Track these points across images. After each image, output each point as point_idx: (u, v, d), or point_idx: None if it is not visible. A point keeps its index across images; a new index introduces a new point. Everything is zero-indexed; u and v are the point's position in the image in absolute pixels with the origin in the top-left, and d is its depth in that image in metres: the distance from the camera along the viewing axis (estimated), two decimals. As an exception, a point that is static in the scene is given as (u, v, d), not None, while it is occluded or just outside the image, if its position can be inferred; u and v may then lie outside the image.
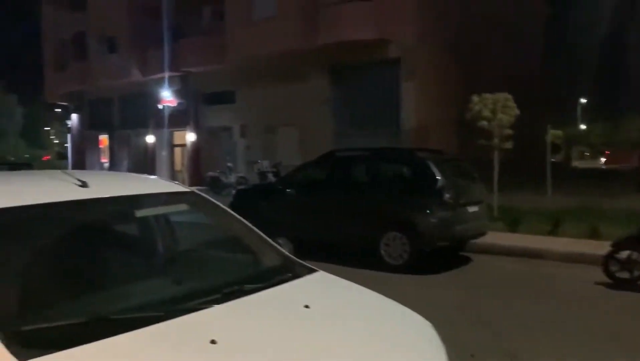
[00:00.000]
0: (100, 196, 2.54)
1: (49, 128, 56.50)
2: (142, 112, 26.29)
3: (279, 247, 2.85)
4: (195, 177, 24.11)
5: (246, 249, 2.88)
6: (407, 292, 5.64)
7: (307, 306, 2.16)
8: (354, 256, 8.15)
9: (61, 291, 2.17)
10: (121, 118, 28.54)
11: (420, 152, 8.74)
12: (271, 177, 18.60)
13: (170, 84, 24.17)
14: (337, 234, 8.44)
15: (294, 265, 2.70)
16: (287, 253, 2.82)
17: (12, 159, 41.03)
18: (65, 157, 36.03)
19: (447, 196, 7.76)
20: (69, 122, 33.03)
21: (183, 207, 3.02)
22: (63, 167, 34.37)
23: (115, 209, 2.69)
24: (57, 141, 56.23)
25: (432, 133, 17.02)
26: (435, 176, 7.82)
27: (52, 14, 31.37)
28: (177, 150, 26.70)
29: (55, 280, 2.26)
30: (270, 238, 2.92)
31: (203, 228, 3.17)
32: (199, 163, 24.63)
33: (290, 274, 2.54)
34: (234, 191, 12.38)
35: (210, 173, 21.51)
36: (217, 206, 3.03)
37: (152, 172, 25.43)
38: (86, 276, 2.34)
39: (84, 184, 2.53)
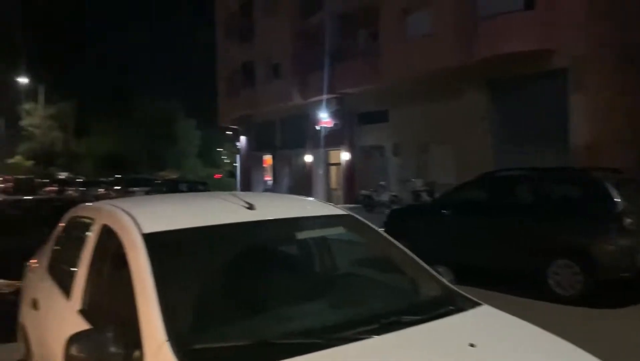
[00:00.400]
0: (265, 218, 2.65)
1: (221, 149, 62.35)
2: (301, 133, 27.67)
3: (438, 276, 2.71)
4: (350, 195, 24.61)
5: (403, 276, 2.79)
6: (580, 327, 5.05)
7: (472, 345, 2.00)
8: (516, 283, 7.57)
9: (228, 311, 2.28)
10: (282, 139, 30.33)
11: (595, 172, 7.87)
12: (425, 197, 18.27)
13: (328, 106, 25.15)
14: (498, 260, 7.91)
15: (455, 297, 2.54)
16: (447, 283, 2.67)
17: (191, 177, 45.93)
18: (234, 175, 39.29)
19: (628, 221, 6.86)
20: (238, 144, 36.03)
21: (340, 230, 3.04)
22: (233, 185, 37.39)
23: (278, 231, 2.79)
24: (227, 161, 61.82)
25: (606, 151, 15.28)
26: (613, 199, 6.96)
27: (225, 46, 34.67)
28: (333, 168, 27.58)
29: (222, 300, 2.39)
30: (426, 263, 2.79)
31: (358, 247, 3.16)
32: (353, 181, 25.14)
33: (452, 307, 2.39)
34: (387, 210, 12.36)
35: (363, 192, 21.80)
36: (373, 230, 2.99)
37: (309, 190, 26.57)
38: (250, 296, 2.44)
39: (250, 207, 2.67)
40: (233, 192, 3.01)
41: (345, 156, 25.61)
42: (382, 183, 21.69)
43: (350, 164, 25.46)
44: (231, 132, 38.00)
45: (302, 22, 27.01)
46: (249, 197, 2.80)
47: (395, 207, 14.51)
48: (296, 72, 27.15)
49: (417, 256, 2.83)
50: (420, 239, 6.82)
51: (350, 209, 3.16)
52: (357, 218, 3.00)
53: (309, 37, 26.67)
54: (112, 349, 1.91)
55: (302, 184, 27.80)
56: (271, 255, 2.87)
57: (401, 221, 9.76)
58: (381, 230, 3.03)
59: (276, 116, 30.06)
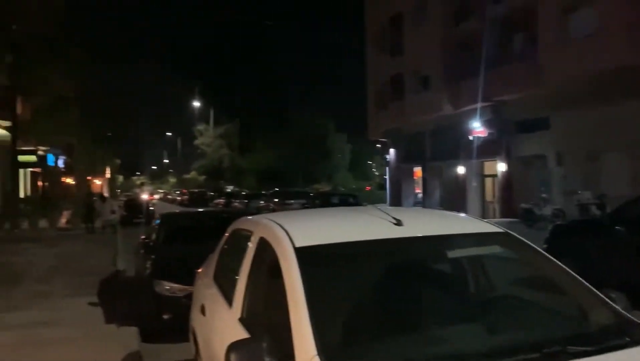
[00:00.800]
0: (413, 235, 2.60)
1: (370, 162, 63.15)
2: (453, 144, 26.88)
3: (610, 302, 2.40)
4: (507, 208, 23.23)
5: (568, 301, 2.53)
6: None
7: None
8: None
9: (377, 328, 2.26)
10: (432, 151, 29.77)
11: None
12: (594, 211, 16.52)
13: (481, 115, 24.12)
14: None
15: (632, 327, 2.23)
16: (621, 311, 2.36)
17: (342, 189, 47.14)
18: (384, 188, 39.47)
19: None
20: (387, 157, 36.17)
21: (495, 249, 2.86)
22: (382, 197, 37.56)
23: (428, 249, 2.71)
24: (377, 173, 62.38)
25: None
26: None
27: (374, 59, 35.18)
28: (488, 180, 26.30)
29: (371, 316, 2.38)
30: (595, 286, 2.49)
31: (515, 267, 2.93)
32: (510, 194, 23.70)
33: (627, 339, 2.10)
34: (549, 225, 11.39)
35: (523, 205, 20.40)
36: (534, 249, 2.76)
37: (463, 203, 25.63)
38: (399, 314, 2.39)
39: (398, 222, 2.63)
40: (380, 206, 3.00)
41: (501, 166, 24.28)
42: (544, 195, 20.11)
43: (507, 175, 24.06)
44: (380, 145, 38.29)
45: (453, 31, 26.38)
46: (398, 212, 2.76)
47: (558, 222, 13.32)
48: (446, 81, 26.53)
49: (585, 278, 2.55)
50: (589, 259, 6.15)
51: (507, 223, 2.96)
52: (515, 236, 2.79)
53: (460, 46, 25.93)
54: (267, 359, 2.00)
55: (454, 197, 26.93)
56: (421, 273, 2.79)
57: (566, 238, 8.90)
58: (542, 251, 2.79)
59: (426, 127, 29.61)
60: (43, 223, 21.01)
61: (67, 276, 9.76)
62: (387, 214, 2.73)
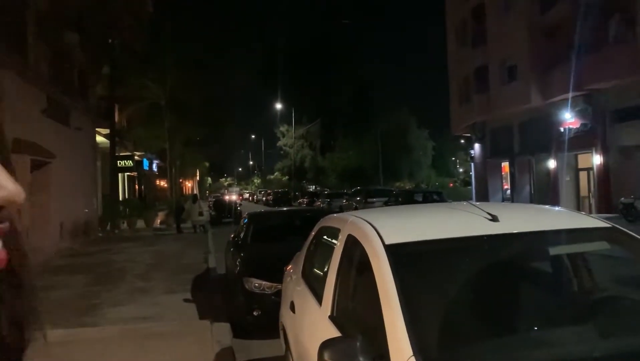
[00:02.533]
0: (511, 231, 2.46)
1: (454, 158, 61.46)
2: (542, 137, 25.53)
3: None
4: (604, 203, 21.71)
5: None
6: None
7: None
8: None
9: (475, 329, 2.16)
10: (521, 144, 28.44)
11: None
12: None
13: (573, 105, 22.70)
14: None
15: None
16: None
17: (425, 187, 46.25)
18: (469, 184, 38.27)
19: None
20: (472, 152, 35.01)
21: (603, 245, 2.64)
22: (468, 194, 36.42)
23: (527, 246, 2.55)
24: (461, 170, 60.57)
25: None
26: None
27: (456, 52, 34.19)
28: (582, 174, 24.71)
29: (468, 316, 2.27)
30: None
31: (623, 265, 2.70)
32: (608, 188, 22.11)
33: None
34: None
35: (623, 199, 18.96)
36: (648, 245, 2.52)
37: (555, 199, 24.26)
38: (498, 314, 2.27)
39: (494, 218, 2.50)
40: (470, 202, 2.87)
41: (597, 159, 22.72)
42: (646, 188, 18.59)
43: (604, 168, 22.46)
44: (463, 141, 37.14)
45: (540, 18, 25.03)
46: (490, 207, 2.63)
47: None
48: (534, 71, 25.22)
49: None
50: None
51: (606, 219, 2.73)
52: (625, 232, 2.57)
53: (548, 33, 24.56)
54: (361, 358, 1.97)
55: (545, 192, 25.56)
56: (520, 271, 2.64)
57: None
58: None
59: (512, 120, 28.34)
60: (140, 224, 22.36)
61: (163, 273, 10.29)
62: (481, 209, 2.61)
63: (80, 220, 17.13)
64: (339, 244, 3.07)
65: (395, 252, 2.32)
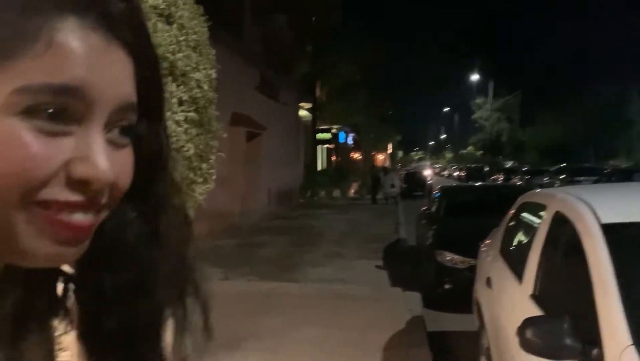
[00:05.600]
0: None
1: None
2: None
3: None
4: None
5: None
6: None
7: None
8: None
9: None
10: None
11: None
12: None
13: None
14: None
15: None
16: None
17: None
18: None
19: None
20: None
21: None
22: None
23: None
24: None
25: None
26: None
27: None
28: None
29: None
30: None
31: None
32: None
33: None
34: None
35: None
36: None
37: None
38: None
39: None
40: None
41: None
42: None
43: None
44: None
45: None
46: None
47: None
48: None
49: None
50: None
51: None
52: None
53: None
54: (568, 341, 1.84)
55: None
56: None
57: None
58: None
59: None
60: (336, 193, 23.67)
61: (356, 240, 10.80)
62: None
63: (284, 187, 18.75)
64: (543, 222, 2.89)
65: (613, 232, 2.10)
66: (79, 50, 0.40)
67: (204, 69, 2.93)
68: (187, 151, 2.82)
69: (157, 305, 0.52)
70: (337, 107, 29.66)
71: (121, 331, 0.50)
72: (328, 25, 22.55)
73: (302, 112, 23.69)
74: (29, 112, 0.38)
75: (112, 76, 0.42)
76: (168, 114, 2.72)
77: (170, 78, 2.57)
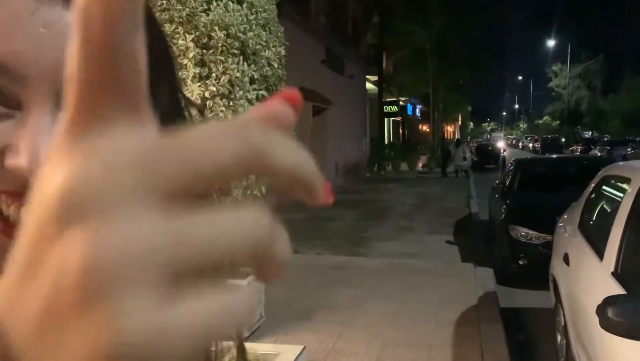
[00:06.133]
0: None
1: None
2: None
3: None
4: None
5: None
6: None
7: None
8: None
9: None
10: None
11: None
12: None
13: None
14: None
15: None
16: None
17: None
18: None
19: None
20: None
21: None
22: None
23: None
24: None
25: None
26: None
27: None
28: None
29: None
30: None
31: None
32: None
33: None
34: None
35: None
36: None
37: None
38: None
39: None
40: None
41: None
42: None
43: None
44: None
45: None
46: None
47: None
48: None
49: None
50: None
51: None
52: None
53: None
54: (653, 320, 1.76)
55: None
56: None
57: None
58: None
59: None
60: (403, 166, 23.41)
61: (425, 214, 10.68)
62: None
63: (351, 161, 18.77)
64: (628, 196, 2.74)
65: None
66: (5, 19, 0.34)
67: (274, 46, 2.97)
68: (259, 128, 2.88)
69: None
70: (405, 78, 29.11)
71: None
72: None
73: (369, 85, 23.45)
74: None
75: (53, 45, 0.35)
76: (240, 92, 2.81)
77: (241, 57, 2.62)
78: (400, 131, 34.97)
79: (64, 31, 0.35)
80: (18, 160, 0.34)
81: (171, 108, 0.43)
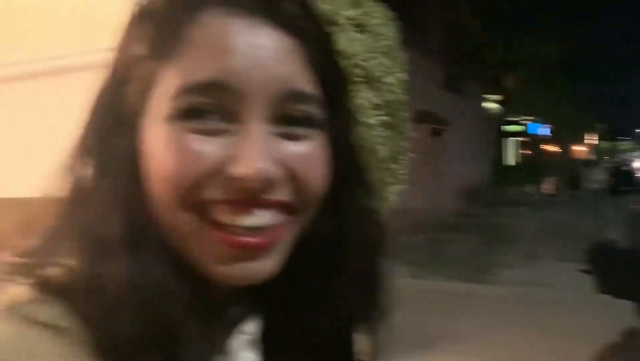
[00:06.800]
0: None
1: None
2: None
3: None
4: None
5: None
6: None
7: None
8: None
9: None
10: None
11: None
12: None
13: None
14: None
15: None
16: None
17: None
18: None
19: None
20: None
21: None
22: None
23: None
24: None
25: None
26: None
27: None
28: None
29: None
30: None
31: None
32: None
33: None
34: None
35: None
36: None
37: None
38: None
39: None
40: None
41: None
42: None
43: None
44: None
45: None
46: None
47: None
48: None
49: None
50: None
51: None
52: None
53: None
54: None
55: None
56: None
57: None
58: None
59: None
60: (529, 188, 22.12)
61: (555, 240, 9.96)
62: None
63: (470, 183, 18.13)
64: None
65: None
66: (222, 42, 0.39)
67: (395, 72, 3.01)
68: (380, 153, 2.93)
69: (347, 308, 0.49)
70: (529, 96, 27.66)
71: (308, 338, 0.49)
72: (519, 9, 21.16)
73: (488, 104, 22.61)
74: (184, 114, 0.39)
75: (264, 64, 0.39)
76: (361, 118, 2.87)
77: (365, 85, 2.69)
78: (524, 151, 33.17)
79: (273, 48, 0.39)
80: (239, 169, 0.38)
81: (347, 127, 0.48)
